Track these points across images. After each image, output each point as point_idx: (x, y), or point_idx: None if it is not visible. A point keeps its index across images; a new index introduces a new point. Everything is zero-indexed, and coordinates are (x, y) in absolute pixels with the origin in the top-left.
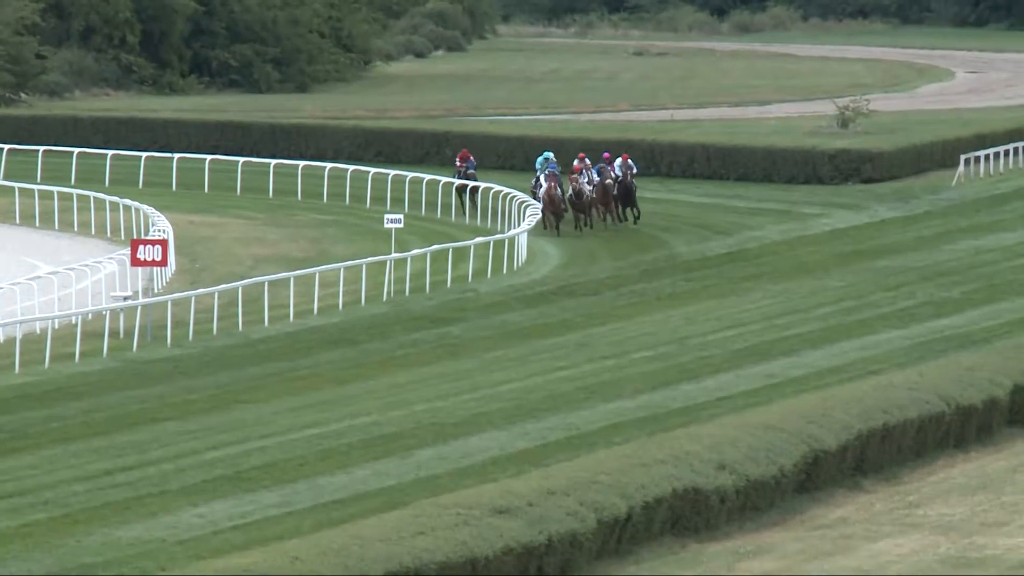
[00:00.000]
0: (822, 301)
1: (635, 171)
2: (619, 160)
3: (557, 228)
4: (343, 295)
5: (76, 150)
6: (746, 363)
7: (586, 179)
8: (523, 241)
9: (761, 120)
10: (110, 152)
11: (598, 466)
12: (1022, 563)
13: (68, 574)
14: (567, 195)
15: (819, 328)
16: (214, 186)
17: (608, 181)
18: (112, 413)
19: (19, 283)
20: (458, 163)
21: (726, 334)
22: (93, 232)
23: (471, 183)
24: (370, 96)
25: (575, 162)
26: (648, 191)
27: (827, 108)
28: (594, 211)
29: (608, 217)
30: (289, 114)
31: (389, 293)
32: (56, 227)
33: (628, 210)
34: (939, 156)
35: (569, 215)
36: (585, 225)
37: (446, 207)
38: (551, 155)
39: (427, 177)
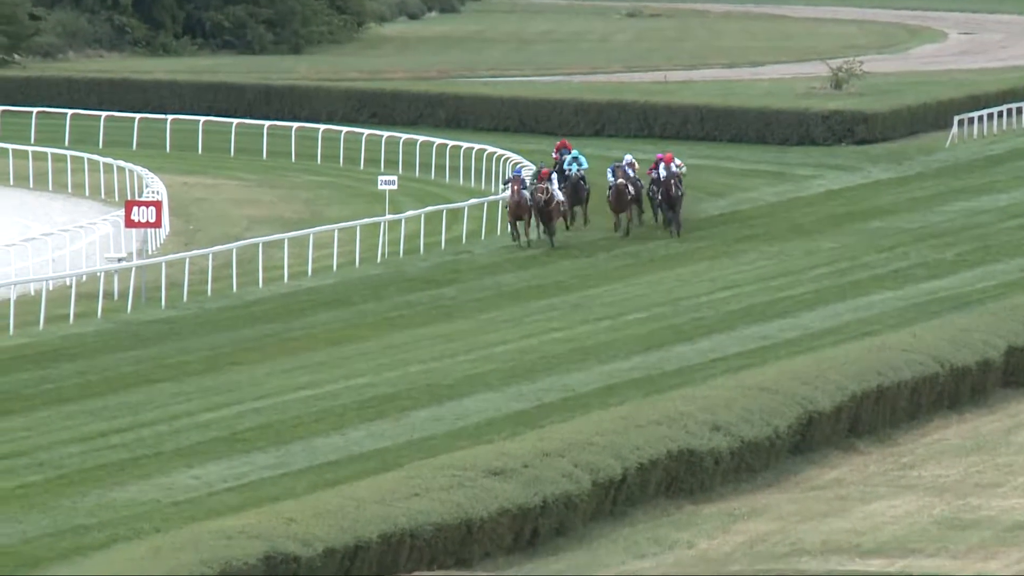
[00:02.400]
0: (816, 262)
1: (683, 171)
2: (662, 162)
3: (527, 237)
4: (337, 256)
5: (70, 111)
6: (740, 324)
7: (555, 184)
8: None
9: (755, 82)
10: (104, 114)
11: (593, 427)
12: (1016, 524)
13: (63, 535)
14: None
15: (813, 289)
16: (208, 148)
17: (620, 181)
18: (106, 375)
19: (13, 244)
20: (554, 155)
21: (720, 295)
22: (87, 194)
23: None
24: (364, 58)
25: (556, 149)
26: (641, 153)
27: (821, 69)
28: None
29: (574, 221)
30: (283, 76)
31: (383, 255)
32: (50, 188)
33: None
34: (932, 117)
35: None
36: (550, 233)
37: (439, 168)
38: (580, 155)
39: (421, 139)
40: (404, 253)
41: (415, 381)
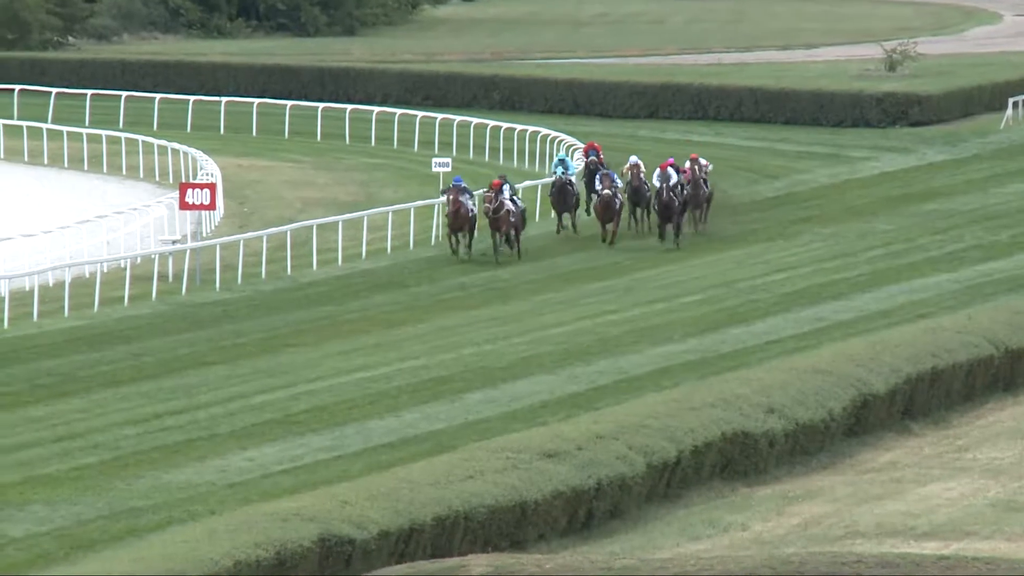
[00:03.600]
0: (871, 244)
1: (709, 169)
2: (658, 171)
3: (470, 248)
4: (391, 239)
5: (124, 94)
6: (795, 307)
7: (508, 194)
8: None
9: (809, 64)
10: (158, 96)
11: (647, 410)
12: None
13: (118, 517)
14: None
15: (868, 272)
16: (262, 130)
17: (606, 192)
18: (161, 357)
19: (68, 227)
20: (584, 158)
21: (775, 278)
22: (141, 176)
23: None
24: (417, 40)
25: (584, 152)
26: (696, 135)
27: (875, 52)
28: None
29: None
30: (337, 58)
31: (437, 237)
32: (104, 171)
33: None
34: (987, 99)
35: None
36: (506, 245)
37: (494, 151)
38: (566, 158)
39: (475, 121)
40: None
41: (469, 363)
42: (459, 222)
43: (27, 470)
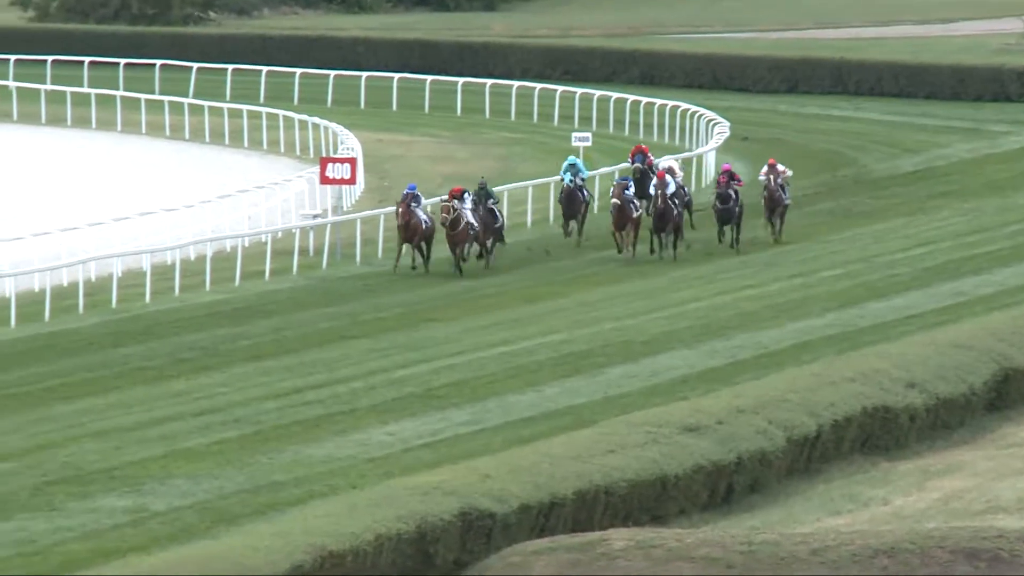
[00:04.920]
0: (1011, 219)
1: (788, 175)
2: (654, 179)
3: (426, 262)
4: (531, 213)
5: (265, 68)
6: (935, 281)
7: (468, 206)
8: (711, 159)
9: (947, 38)
10: (299, 70)
11: (787, 385)
12: None
13: (259, 491)
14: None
15: (1009, 246)
16: (402, 104)
17: (615, 201)
18: (302, 331)
19: (209, 201)
20: (630, 161)
21: (915, 252)
22: (282, 150)
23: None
24: (555, 14)
25: (631, 155)
26: (836, 110)
27: (1015, 25)
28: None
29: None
30: (477, 32)
31: None
32: (245, 145)
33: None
34: None
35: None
36: (462, 260)
37: (633, 125)
38: (578, 161)
39: (614, 95)
40: (598, 209)
41: (610, 338)
42: (410, 233)
43: (169, 444)
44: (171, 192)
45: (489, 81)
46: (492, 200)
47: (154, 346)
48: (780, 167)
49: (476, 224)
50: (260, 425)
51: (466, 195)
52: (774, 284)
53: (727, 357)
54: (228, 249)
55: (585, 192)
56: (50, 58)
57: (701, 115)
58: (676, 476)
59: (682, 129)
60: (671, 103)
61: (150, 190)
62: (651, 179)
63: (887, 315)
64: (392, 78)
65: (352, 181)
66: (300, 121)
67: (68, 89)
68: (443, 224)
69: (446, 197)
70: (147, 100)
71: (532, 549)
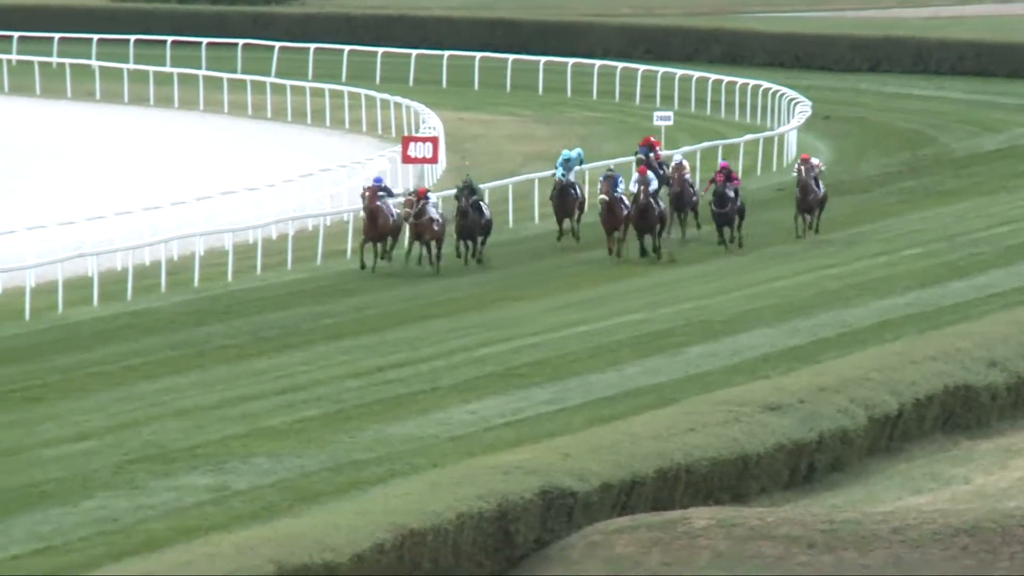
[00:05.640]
0: None
1: (822, 168)
2: (636, 174)
3: (377, 258)
4: None
5: (347, 48)
6: (1017, 260)
7: (432, 203)
8: (792, 138)
9: None
10: (381, 50)
11: (869, 363)
12: None
13: (342, 469)
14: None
15: None
16: (484, 84)
17: (603, 197)
18: (383, 310)
19: (291, 180)
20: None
21: (997, 231)
22: (364, 129)
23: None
24: None
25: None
26: (917, 88)
27: None
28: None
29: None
30: (559, 12)
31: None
32: (327, 125)
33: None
34: None
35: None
36: (432, 261)
37: (715, 104)
38: (574, 154)
39: (696, 74)
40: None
41: (690, 317)
42: (376, 229)
43: (251, 423)
44: (253, 171)
45: (571, 60)
46: (477, 197)
47: (236, 325)
48: (814, 160)
49: (441, 221)
50: (342, 404)
51: (429, 194)
52: (856, 263)
53: (809, 336)
54: (310, 228)
55: (578, 189)
56: (133, 37)
57: (783, 94)
58: (757, 455)
59: (763, 108)
60: (753, 82)
61: (232, 169)
62: (657, 174)
63: (969, 294)
64: (474, 57)
65: (434, 160)
66: (382, 100)
67: (151, 68)
68: (406, 218)
69: (411, 191)
70: (229, 80)
71: (613, 527)
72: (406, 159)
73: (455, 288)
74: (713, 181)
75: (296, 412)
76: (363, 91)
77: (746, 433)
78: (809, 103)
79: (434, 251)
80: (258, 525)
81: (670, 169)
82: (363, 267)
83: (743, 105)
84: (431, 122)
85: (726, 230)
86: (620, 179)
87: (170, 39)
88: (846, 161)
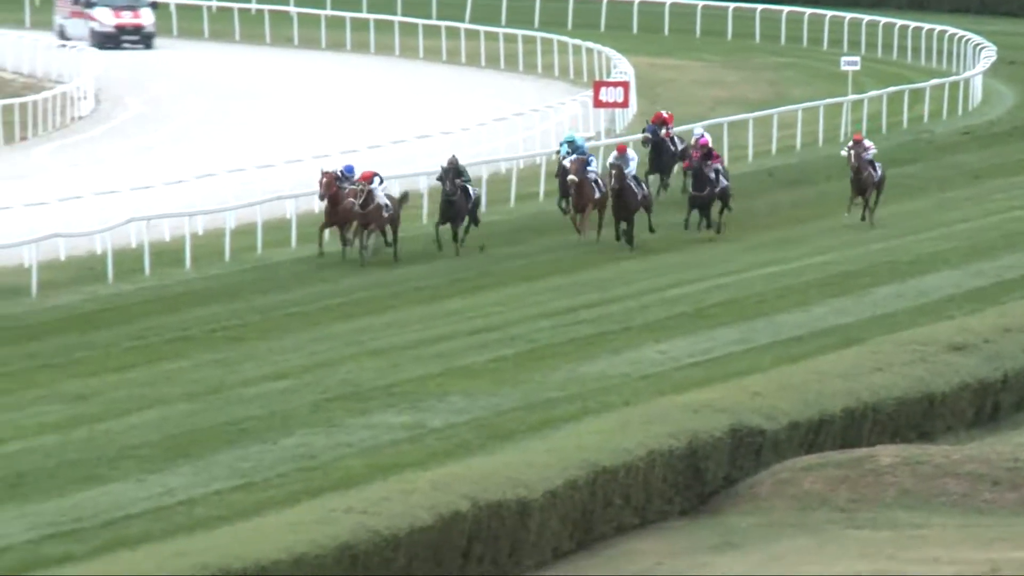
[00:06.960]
0: None
1: (873, 151)
2: (614, 153)
3: (365, 247)
4: (801, 136)
5: None
6: None
7: (377, 185)
8: (978, 83)
9: None
10: None
11: None
12: None
13: (534, 408)
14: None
15: None
16: (673, 29)
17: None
18: (575, 252)
19: (485, 124)
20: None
21: None
22: (556, 74)
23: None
24: None
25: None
26: None
27: None
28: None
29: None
30: None
31: (846, 134)
32: (520, 70)
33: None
34: None
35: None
36: (389, 244)
37: (902, 50)
38: (577, 138)
39: (883, 20)
40: (866, 132)
41: (876, 259)
42: (338, 216)
43: (446, 362)
44: (447, 115)
45: (759, 6)
46: (464, 178)
47: (432, 267)
48: (866, 142)
49: (390, 206)
50: (535, 343)
51: (375, 177)
52: None
53: (994, 277)
54: (503, 171)
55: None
56: None
57: (968, 39)
58: (943, 394)
59: (949, 54)
60: (939, 27)
61: (426, 114)
62: (667, 151)
63: None
64: (664, 3)
65: (625, 104)
66: (574, 46)
67: (347, 14)
68: (351, 208)
69: (359, 179)
70: (425, 25)
71: (801, 465)
72: (597, 103)
73: (648, 230)
74: (689, 159)
75: (490, 352)
76: (555, 37)
77: (932, 372)
78: (994, 48)
79: (389, 237)
80: (453, 463)
81: (693, 141)
82: (321, 255)
83: (929, 50)
84: (622, 67)
85: (695, 214)
86: (592, 159)
87: None
88: None
